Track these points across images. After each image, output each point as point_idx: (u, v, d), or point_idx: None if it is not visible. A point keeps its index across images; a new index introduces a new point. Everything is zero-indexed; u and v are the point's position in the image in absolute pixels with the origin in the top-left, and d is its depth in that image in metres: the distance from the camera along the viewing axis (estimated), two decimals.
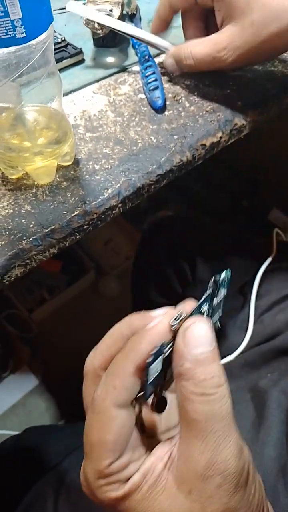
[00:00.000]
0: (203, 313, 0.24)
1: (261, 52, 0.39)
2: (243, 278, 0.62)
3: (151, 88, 0.45)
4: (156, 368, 0.23)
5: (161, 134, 0.42)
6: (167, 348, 0.23)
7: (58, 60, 0.48)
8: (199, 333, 0.22)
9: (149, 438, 0.27)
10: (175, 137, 0.42)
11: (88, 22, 0.47)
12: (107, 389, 0.23)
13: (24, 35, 0.28)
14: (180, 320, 0.23)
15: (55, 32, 0.50)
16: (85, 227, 0.37)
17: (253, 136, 0.48)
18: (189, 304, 0.25)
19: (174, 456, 0.23)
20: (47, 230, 0.35)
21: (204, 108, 0.45)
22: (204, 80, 0.49)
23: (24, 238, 0.34)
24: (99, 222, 0.38)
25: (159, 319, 0.23)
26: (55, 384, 1.08)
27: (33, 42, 0.30)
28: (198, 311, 0.24)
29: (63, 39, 0.49)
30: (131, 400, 0.24)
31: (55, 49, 0.48)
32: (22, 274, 0.34)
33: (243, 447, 0.23)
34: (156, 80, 0.46)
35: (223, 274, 0.25)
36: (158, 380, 0.24)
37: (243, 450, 0.23)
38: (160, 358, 0.23)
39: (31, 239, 0.34)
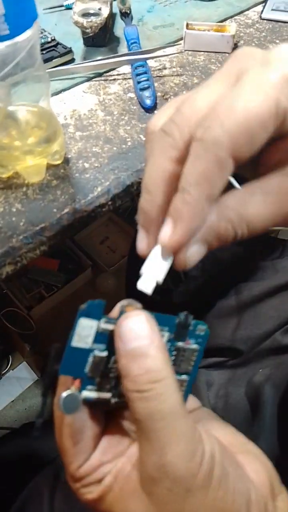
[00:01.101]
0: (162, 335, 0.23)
1: None
2: (236, 274, 0.63)
3: (142, 87, 0.46)
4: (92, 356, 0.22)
5: None
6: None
7: (48, 60, 0.48)
8: (132, 327, 0.21)
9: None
10: None
11: (78, 22, 0.47)
12: (56, 398, 0.23)
13: (7, 32, 0.29)
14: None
15: (45, 31, 0.51)
16: (75, 224, 0.37)
17: None
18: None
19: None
20: (37, 228, 0.35)
21: None
22: (193, 78, 0.49)
23: (15, 236, 0.35)
24: (89, 219, 0.38)
25: None
26: (54, 380, 1.09)
27: (18, 39, 0.30)
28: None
29: (53, 38, 0.50)
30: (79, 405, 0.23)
31: (45, 48, 0.49)
32: (13, 271, 0.35)
33: (199, 447, 0.21)
34: (147, 79, 0.46)
35: (199, 325, 0.24)
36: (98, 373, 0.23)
37: (198, 450, 0.21)
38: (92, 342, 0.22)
39: (21, 237, 0.35)
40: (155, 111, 0.45)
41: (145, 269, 0.22)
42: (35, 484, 0.52)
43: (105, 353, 0.22)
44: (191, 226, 0.20)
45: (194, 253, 0.21)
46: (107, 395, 0.23)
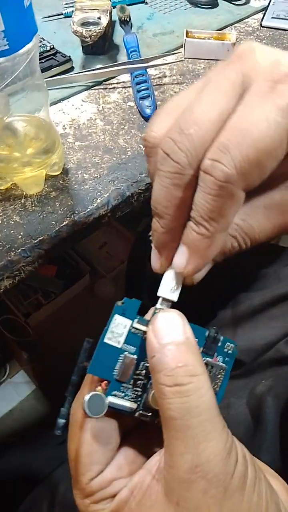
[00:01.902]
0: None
1: None
2: (235, 281, 0.62)
3: (142, 96, 0.45)
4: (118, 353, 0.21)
5: None
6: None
7: (47, 68, 0.48)
8: (166, 321, 0.21)
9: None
10: None
11: (77, 31, 0.47)
12: (79, 399, 0.22)
13: (7, 47, 0.28)
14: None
15: (44, 40, 0.50)
16: (74, 237, 0.37)
17: None
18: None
19: (162, 466, 0.21)
20: (35, 241, 0.35)
21: None
22: None
23: (13, 249, 0.34)
24: (88, 231, 0.38)
25: None
26: (52, 388, 1.08)
27: (17, 53, 0.30)
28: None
29: (52, 47, 0.49)
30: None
31: (44, 57, 0.48)
32: (11, 285, 0.34)
33: (233, 446, 0.20)
34: (147, 88, 0.46)
35: (228, 343, 0.24)
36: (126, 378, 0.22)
37: (233, 449, 0.20)
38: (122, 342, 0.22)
39: (19, 250, 0.34)
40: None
41: (160, 292, 0.23)
42: (34, 496, 0.52)
43: (135, 356, 0.22)
44: (207, 257, 0.21)
45: (202, 272, 0.22)
46: (133, 405, 0.22)
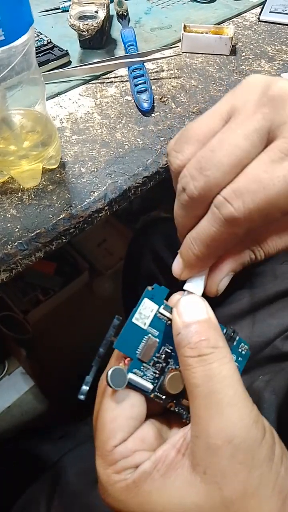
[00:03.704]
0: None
1: None
2: (233, 280, 0.62)
3: (139, 90, 0.45)
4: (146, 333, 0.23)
5: (148, 136, 0.42)
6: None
7: (44, 62, 0.47)
8: (190, 303, 0.22)
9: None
10: (162, 138, 0.42)
11: (74, 25, 0.46)
12: (106, 371, 0.23)
13: (2, 37, 0.28)
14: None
15: (41, 34, 0.50)
16: (71, 230, 0.37)
17: None
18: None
19: (188, 440, 0.21)
20: (32, 234, 0.35)
21: (191, 109, 0.45)
22: (191, 81, 0.49)
23: (10, 242, 0.34)
24: (85, 225, 0.38)
25: None
26: (50, 385, 1.08)
27: (13, 44, 0.29)
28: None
29: (49, 41, 0.49)
30: None
31: (41, 51, 0.48)
32: (8, 279, 0.34)
33: (260, 417, 0.20)
34: (145, 82, 0.46)
35: (242, 343, 0.26)
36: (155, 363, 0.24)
37: (259, 419, 0.20)
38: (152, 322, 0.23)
39: (16, 243, 0.34)
40: (153, 115, 0.44)
41: (186, 286, 0.24)
42: (32, 491, 0.52)
43: (157, 340, 0.24)
44: (198, 271, 0.23)
45: (224, 283, 0.24)
46: (149, 385, 0.24)
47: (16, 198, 0.37)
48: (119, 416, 0.23)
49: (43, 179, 0.38)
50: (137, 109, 0.45)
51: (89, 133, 0.42)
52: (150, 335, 0.23)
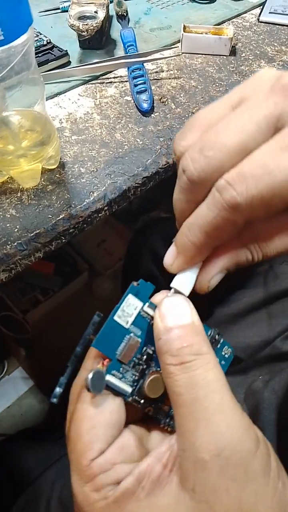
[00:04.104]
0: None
1: None
2: (233, 279, 0.62)
3: (139, 90, 0.45)
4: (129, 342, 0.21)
5: (147, 136, 0.42)
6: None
7: (43, 63, 0.47)
8: (173, 305, 0.21)
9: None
10: (161, 139, 0.42)
11: (73, 25, 0.46)
12: (81, 373, 0.22)
13: (2, 37, 0.28)
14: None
15: (40, 34, 0.50)
16: (70, 230, 0.37)
17: None
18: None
19: (175, 453, 0.20)
20: (32, 234, 0.35)
21: (190, 109, 0.45)
22: (190, 81, 0.49)
23: (9, 242, 0.34)
24: (85, 225, 0.38)
25: None
26: (50, 385, 1.08)
27: (13, 44, 0.29)
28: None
29: (48, 41, 0.49)
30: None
31: (41, 51, 0.48)
32: (7, 279, 0.34)
33: (251, 425, 0.19)
34: (144, 83, 0.46)
35: (226, 346, 0.24)
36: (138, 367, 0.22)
37: (251, 426, 0.19)
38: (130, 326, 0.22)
39: (15, 243, 0.34)
40: (152, 115, 0.44)
41: (174, 283, 0.23)
42: (31, 492, 0.52)
43: (139, 340, 0.22)
44: (192, 263, 0.22)
45: (215, 280, 0.22)
46: (128, 388, 0.22)
47: (16, 198, 0.37)
48: (98, 424, 0.20)
49: (42, 179, 0.38)
50: (136, 110, 0.45)
51: (89, 133, 0.42)
52: (132, 334, 0.22)
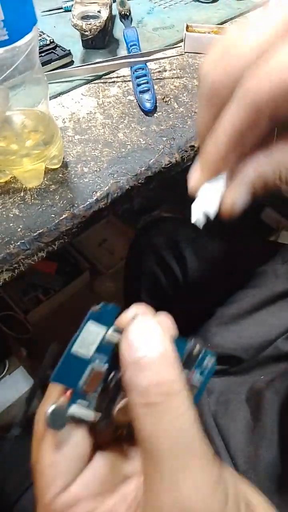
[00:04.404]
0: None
1: None
2: (234, 279, 0.62)
3: (142, 90, 0.45)
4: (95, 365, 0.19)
5: (150, 136, 0.42)
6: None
7: (46, 62, 0.47)
8: (142, 331, 0.18)
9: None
10: (164, 138, 0.42)
11: (77, 24, 0.46)
12: (41, 408, 0.20)
13: (6, 37, 0.28)
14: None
15: (43, 33, 0.50)
16: (73, 230, 0.37)
17: None
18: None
19: (139, 497, 0.19)
20: (35, 234, 0.35)
21: (193, 109, 0.45)
22: (193, 81, 0.49)
23: (12, 242, 0.34)
24: (88, 225, 0.38)
25: None
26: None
27: (17, 44, 0.29)
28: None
29: (51, 40, 0.49)
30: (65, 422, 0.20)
31: (44, 51, 0.48)
32: (10, 278, 0.34)
33: (222, 479, 0.17)
34: (147, 82, 0.46)
35: (208, 356, 0.22)
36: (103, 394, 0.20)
37: (220, 484, 0.17)
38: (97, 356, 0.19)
39: (19, 243, 0.34)
40: (155, 115, 0.44)
41: (195, 205, 0.21)
42: (33, 490, 0.51)
43: (105, 366, 0.20)
44: (212, 172, 0.19)
45: (241, 202, 0.20)
46: (97, 414, 0.20)
47: (19, 198, 0.37)
48: (60, 462, 0.19)
49: (45, 179, 0.38)
50: (139, 109, 0.45)
51: (92, 133, 0.42)
52: (97, 361, 0.20)
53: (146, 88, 0.45)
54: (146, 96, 0.44)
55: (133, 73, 0.47)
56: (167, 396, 0.17)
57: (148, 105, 0.44)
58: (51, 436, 0.20)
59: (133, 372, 0.18)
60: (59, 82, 0.47)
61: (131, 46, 0.51)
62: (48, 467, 0.19)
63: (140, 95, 0.45)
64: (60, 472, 0.19)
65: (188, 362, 0.21)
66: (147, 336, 0.18)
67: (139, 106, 0.45)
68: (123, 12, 0.56)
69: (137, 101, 0.45)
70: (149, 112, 0.44)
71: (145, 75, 0.46)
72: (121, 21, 0.56)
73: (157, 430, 0.17)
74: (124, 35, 0.52)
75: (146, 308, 0.21)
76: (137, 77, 0.46)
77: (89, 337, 0.20)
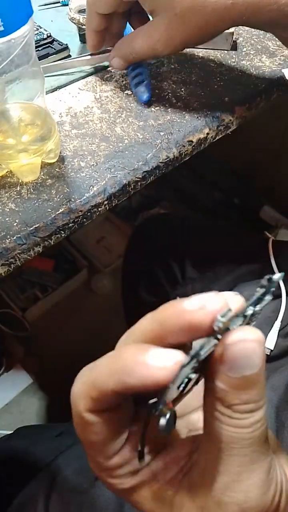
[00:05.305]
0: (246, 317, 0.18)
1: (193, 39, 0.40)
2: (234, 276, 0.62)
3: (137, 82, 0.45)
4: (182, 376, 0.17)
5: (148, 131, 0.42)
6: (203, 352, 0.17)
7: (43, 56, 0.47)
8: (244, 353, 0.17)
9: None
10: (162, 133, 0.42)
11: (74, 18, 0.46)
12: (83, 394, 0.19)
13: (1, 28, 0.28)
14: (227, 319, 0.17)
15: (40, 28, 0.50)
16: (70, 225, 0.36)
17: (245, 133, 0.48)
18: (237, 300, 0.19)
19: (194, 463, 0.21)
20: (31, 228, 0.34)
21: (191, 104, 0.45)
22: (191, 75, 0.48)
23: (8, 236, 0.34)
24: (84, 220, 0.37)
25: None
26: (49, 383, 1.08)
27: (13, 35, 0.29)
28: (242, 314, 0.18)
29: (49, 35, 0.49)
30: (116, 404, 0.20)
31: (41, 45, 0.48)
32: (6, 273, 0.34)
33: (274, 476, 0.20)
34: (141, 74, 0.45)
35: (278, 275, 0.18)
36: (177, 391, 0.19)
37: (273, 481, 0.20)
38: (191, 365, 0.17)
39: (14, 237, 0.34)
40: (153, 109, 0.44)
41: None
42: (30, 489, 0.51)
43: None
44: None
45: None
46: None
47: (15, 192, 0.37)
48: (106, 441, 0.20)
49: (42, 173, 0.38)
50: (136, 104, 0.44)
51: (89, 127, 0.42)
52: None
53: (141, 80, 0.44)
54: (142, 88, 0.44)
55: (129, 66, 0.47)
56: (250, 413, 0.18)
57: (144, 97, 0.43)
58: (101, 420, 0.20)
59: (225, 388, 0.18)
60: (56, 75, 0.47)
61: None
62: (95, 444, 0.20)
63: (136, 88, 0.44)
64: (103, 449, 0.20)
65: (264, 295, 0.18)
66: (251, 356, 0.17)
67: (136, 98, 0.44)
68: None
69: (133, 94, 0.45)
70: (146, 106, 0.44)
71: (140, 66, 0.46)
72: None
73: (236, 438, 0.18)
74: None
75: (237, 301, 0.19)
76: (133, 70, 0.46)
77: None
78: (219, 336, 0.17)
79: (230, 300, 0.18)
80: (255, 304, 0.18)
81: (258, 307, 0.18)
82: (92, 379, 0.19)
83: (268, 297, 0.18)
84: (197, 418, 0.24)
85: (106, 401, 0.19)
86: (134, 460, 0.21)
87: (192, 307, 0.17)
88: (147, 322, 0.19)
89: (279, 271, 0.60)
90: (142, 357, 0.17)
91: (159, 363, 0.16)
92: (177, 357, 0.17)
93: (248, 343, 0.17)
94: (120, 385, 0.17)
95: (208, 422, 0.19)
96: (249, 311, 0.18)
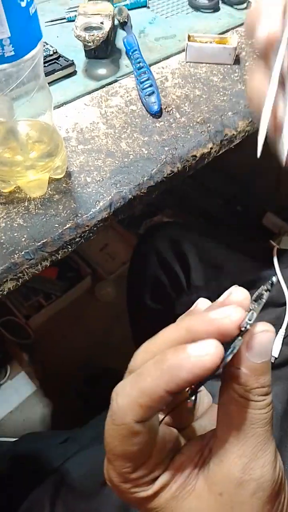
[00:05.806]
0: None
1: None
2: (239, 285, 0.63)
3: (147, 93, 0.45)
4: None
5: (152, 146, 0.43)
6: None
7: (50, 72, 0.48)
8: (265, 342, 0.21)
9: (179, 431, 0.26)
10: (166, 148, 0.42)
11: (80, 36, 0.47)
12: (130, 405, 0.20)
13: (12, 53, 0.29)
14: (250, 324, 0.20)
15: (47, 44, 0.51)
16: (77, 239, 0.37)
17: (247, 141, 0.49)
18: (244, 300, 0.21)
19: (206, 456, 0.23)
20: (39, 243, 0.35)
21: (195, 119, 0.45)
22: (194, 90, 0.49)
23: (16, 252, 0.34)
24: (90, 234, 0.38)
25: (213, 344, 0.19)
26: (52, 390, 1.08)
27: (22, 59, 0.30)
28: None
29: (55, 51, 0.50)
30: (160, 410, 0.21)
31: (47, 61, 0.49)
32: (15, 287, 0.35)
33: (277, 454, 0.23)
34: (151, 85, 0.46)
35: (275, 278, 0.23)
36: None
37: (278, 458, 0.22)
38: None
39: (23, 252, 0.34)
40: (157, 124, 0.45)
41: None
42: (36, 494, 0.52)
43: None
44: None
45: None
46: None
47: (23, 208, 0.37)
48: (142, 451, 0.22)
49: (49, 189, 0.39)
50: (141, 119, 0.45)
51: (95, 143, 0.43)
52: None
53: (151, 92, 0.45)
54: (152, 99, 0.45)
55: (137, 78, 0.48)
56: (265, 396, 0.21)
57: (155, 108, 0.44)
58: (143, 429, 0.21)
59: (248, 373, 0.21)
60: (62, 92, 0.48)
61: (132, 52, 0.51)
62: (132, 456, 0.22)
63: (147, 99, 0.45)
64: (137, 460, 0.22)
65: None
66: (267, 346, 0.21)
67: (146, 109, 0.45)
68: (121, 20, 0.57)
69: (143, 105, 0.46)
70: (155, 115, 0.45)
71: (149, 78, 0.47)
72: (122, 29, 0.57)
73: (254, 419, 0.21)
74: (124, 43, 0.53)
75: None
76: (142, 82, 0.47)
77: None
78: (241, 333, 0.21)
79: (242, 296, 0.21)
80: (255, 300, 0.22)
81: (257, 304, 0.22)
82: (139, 387, 0.20)
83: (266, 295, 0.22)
84: (197, 427, 0.27)
85: (155, 406, 0.20)
86: (156, 469, 0.23)
87: (218, 315, 0.20)
88: (173, 330, 0.21)
89: (284, 279, 0.60)
90: (184, 353, 0.19)
91: (201, 352, 0.19)
92: (213, 343, 0.19)
93: (269, 333, 0.21)
94: (172, 383, 0.19)
95: (229, 412, 0.22)
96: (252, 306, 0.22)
